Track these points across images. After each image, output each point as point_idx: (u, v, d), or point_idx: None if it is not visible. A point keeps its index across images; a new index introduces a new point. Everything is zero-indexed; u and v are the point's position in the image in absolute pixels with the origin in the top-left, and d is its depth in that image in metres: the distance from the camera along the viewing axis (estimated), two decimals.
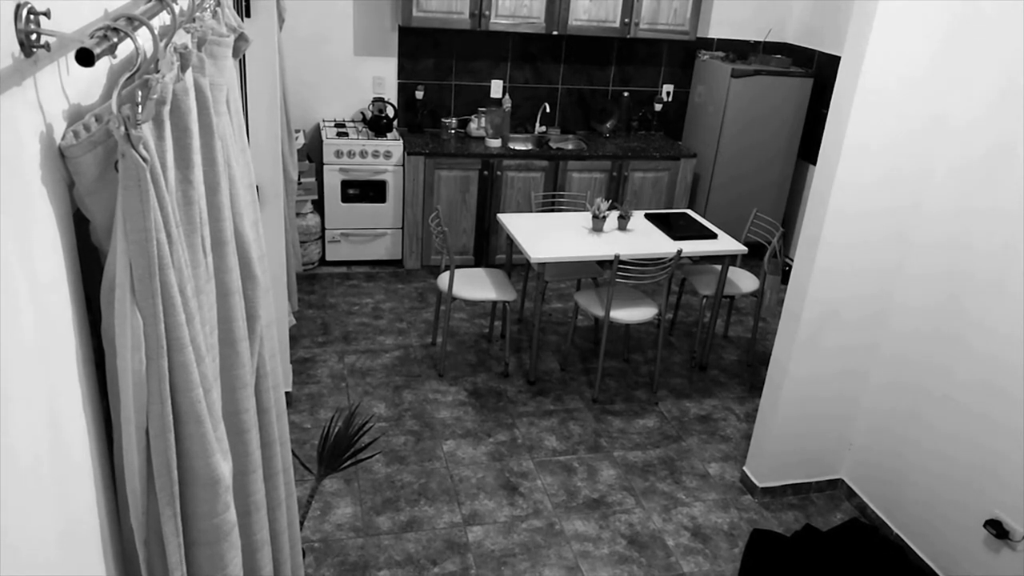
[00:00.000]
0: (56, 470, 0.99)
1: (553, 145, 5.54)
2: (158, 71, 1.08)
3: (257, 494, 1.57)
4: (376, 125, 5.17)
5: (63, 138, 0.98)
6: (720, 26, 5.84)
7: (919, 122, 2.84)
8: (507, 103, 5.50)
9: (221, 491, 1.24)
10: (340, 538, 2.99)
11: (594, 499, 3.32)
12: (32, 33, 0.88)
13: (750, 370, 4.46)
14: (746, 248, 4.20)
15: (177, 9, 1.26)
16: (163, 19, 1.27)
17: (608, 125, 5.75)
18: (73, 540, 1.05)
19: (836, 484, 3.48)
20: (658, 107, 5.92)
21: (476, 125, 5.44)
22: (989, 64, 2.70)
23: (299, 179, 4.75)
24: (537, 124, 5.62)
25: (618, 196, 5.43)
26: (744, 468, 3.48)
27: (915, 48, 2.72)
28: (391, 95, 5.43)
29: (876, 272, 3.06)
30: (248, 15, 3.02)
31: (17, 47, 0.87)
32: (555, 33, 5.21)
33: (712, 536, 3.17)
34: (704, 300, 4.32)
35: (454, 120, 5.45)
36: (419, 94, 5.45)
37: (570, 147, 5.59)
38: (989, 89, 2.70)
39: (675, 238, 4.13)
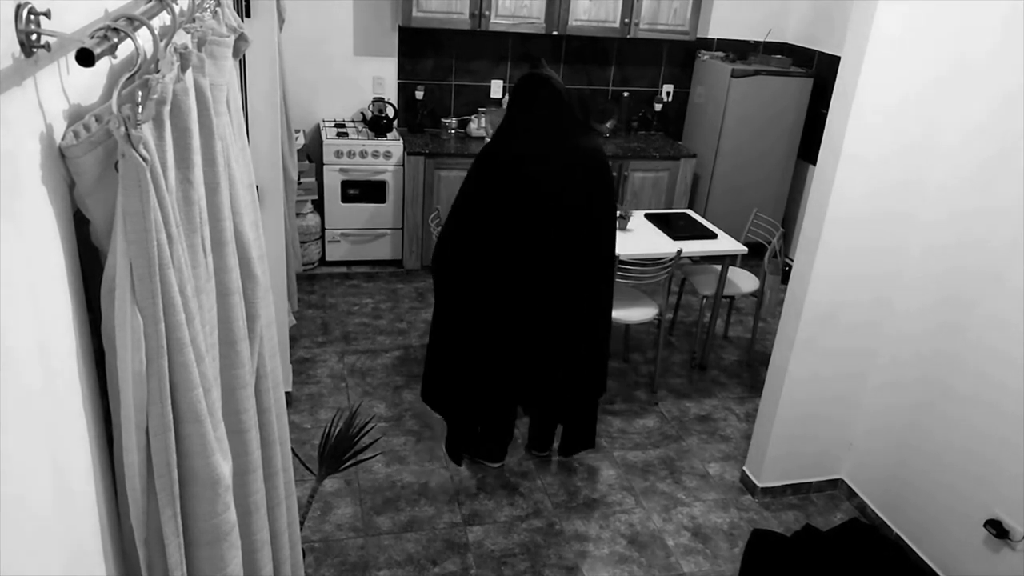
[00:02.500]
0: (55, 469, 0.99)
1: None
2: (158, 71, 1.08)
3: (257, 494, 1.57)
4: (376, 125, 5.17)
5: (63, 138, 0.99)
6: (720, 26, 5.84)
7: (918, 130, 2.83)
8: (507, 103, 5.50)
9: (221, 491, 1.25)
10: (340, 538, 2.99)
11: (594, 499, 3.32)
12: (32, 33, 0.88)
13: (750, 370, 4.46)
14: (746, 248, 4.21)
15: (177, 9, 1.26)
16: (163, 19, 1.27)
17: (608, 125, 5.75)
18: (73, 540, 1.05)
19: (836, 484, 3.48)
20: (658, 107, 5.92)
21: (476, 125, 5.44)
22: (988, 74, 2.69)
23: (299, 179, 4.75)
24: None
25: (618, 196, 5.43)
26: (744, 468, 3.48)
27: (913, 57, 2.71)
28: (391, 95, 5.43)
29: (875, 276, 3.06)
30: (248, 15, 3.02)
31: (17, 47, 0.87)
32: (555, 33, 5.21)
33: (712, 536, 3.17)
34: (704, 300, 4.33)
35: (454, 120, 5.45)
36: (419, 94, 5.46)
37: None
38: (991, 98, 2.70)
39: (675, 238, 4.13)
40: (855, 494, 3.39)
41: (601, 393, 3.31)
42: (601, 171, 2.95)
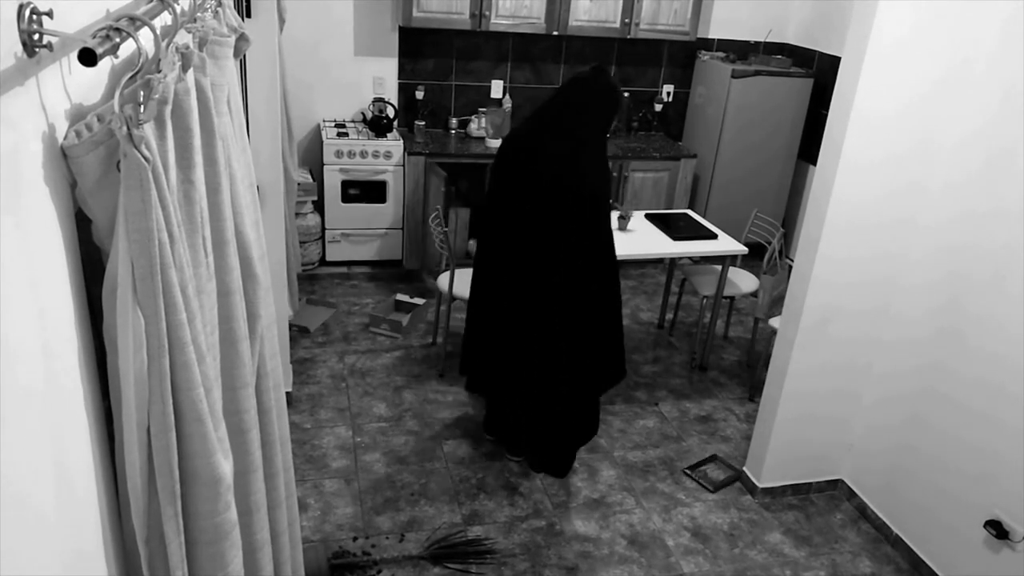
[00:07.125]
0: (57, 469, 0.99)
1: None
2: (160, 71, 1.08)
3: (258, 494, 1.57)
4: (376, 125, 5.17)
5: (65, 138, 0.99)
6: (720, 26, 5.84)
7: (918, 132, 2.83)
8: (507, 103, 5.50)
9: (222, 490, 1.25)
10: (340, 538, 2.99)
11: (594, 499, 3.32)
12: (35, 33, 0.88)
13: (750, 371, 4.46)
14: (746, 248, 4.21)
15: (179, 9, 1.27)
16: (165, 19, 1.27)
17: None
18: (74, 539, 1.05)
19: (836, 484, 3.48)
20: (658, 107, 5.92)
21: (476, 125, 5.44)
22: (988, 75, 2.69)
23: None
24: None
25: (618, 196, 5.43)
26: (744, 468, 3.48)
27: (913, 59, 2.71)
28: (391, 95, 5.43)
29: (875, 278, 3.06)
30: (249, 15, 3.02)
31: (20, 47, 0.87)
32: (555, 33, 5.22)
33: (712, 536, 3.17)
34: (704, 300, 4.33)
35: (455, 120, 5.45)
36: (419, 94, 5.46)
37: None
38: (991, 100, 2.69)
39: (675, 238, 4.13)
40: (855, 494, 3.39)
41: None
42: (577, 199, 2.95)
